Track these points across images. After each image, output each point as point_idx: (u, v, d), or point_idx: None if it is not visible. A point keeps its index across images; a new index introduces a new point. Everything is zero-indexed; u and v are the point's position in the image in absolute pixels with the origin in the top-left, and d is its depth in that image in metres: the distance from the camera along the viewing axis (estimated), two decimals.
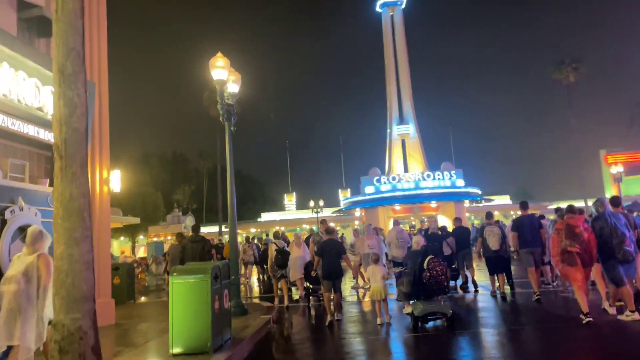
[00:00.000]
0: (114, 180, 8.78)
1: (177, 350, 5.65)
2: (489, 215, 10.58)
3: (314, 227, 29.34)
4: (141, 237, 46.31)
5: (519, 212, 9.73)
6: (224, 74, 9.12)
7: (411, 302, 7.51)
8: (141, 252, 38.31)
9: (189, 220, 38.05)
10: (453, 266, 10.97)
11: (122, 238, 47.92)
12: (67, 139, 3.79)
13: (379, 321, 7.52)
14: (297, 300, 11.47)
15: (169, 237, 41.25)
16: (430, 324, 7.22)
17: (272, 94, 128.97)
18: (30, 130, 6.90)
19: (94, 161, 8.83)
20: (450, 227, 13.02)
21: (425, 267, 6.99)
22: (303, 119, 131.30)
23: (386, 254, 13.39)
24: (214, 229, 42.57)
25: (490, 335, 6.60)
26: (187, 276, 5.75)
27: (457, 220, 11.86)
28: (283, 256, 10.90)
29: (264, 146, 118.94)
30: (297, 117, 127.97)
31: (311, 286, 10.32)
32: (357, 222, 41.01)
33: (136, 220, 31.20)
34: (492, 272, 9.86)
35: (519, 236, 9.14)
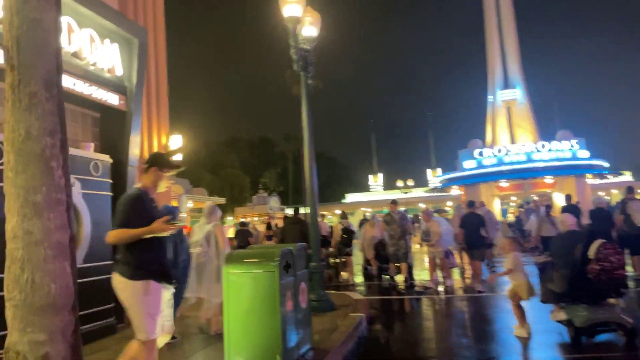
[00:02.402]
0: (174, 146, 7.55)
1: None
2: (631, 189, 9.66)
3: (402, 209, 27.27)
4: (229, 217, 47.49)
5: None
6: (297, 10, 7.43)
7: (562, 305, 5.43)
8: (230, 233, 38.97)
9: (274, 201, 37.85)
10: None
11: None
12: (21, 36, 2.30)
13: (517, 332, 5.52)
14: (385, 289, 9.79)
15: (255, 218, 41.72)
16: (599, 337, 5.09)
17: (355, 70, 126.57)
18: (64, 80, 5.75)
19: (150, 125, 7.68)
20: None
21: (592, 257, 4.85)
22: (388, 95, 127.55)
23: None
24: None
25: None
26: (246, 266, 4.22)
27: (568, 197, 11.51)
28: (348, 235, 12.33)
29: (348, 127, 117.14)
30: (381, 94, 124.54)
31: (382, 265, 11.37)
32: (449, 203, 38.16)
33: (221, 201, 31.47)
34: (634, 253, 9.00)
35: None
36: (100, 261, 6.03)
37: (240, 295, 4.16)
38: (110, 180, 6.34)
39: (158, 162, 3.58)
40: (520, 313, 5.53)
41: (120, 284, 3.31)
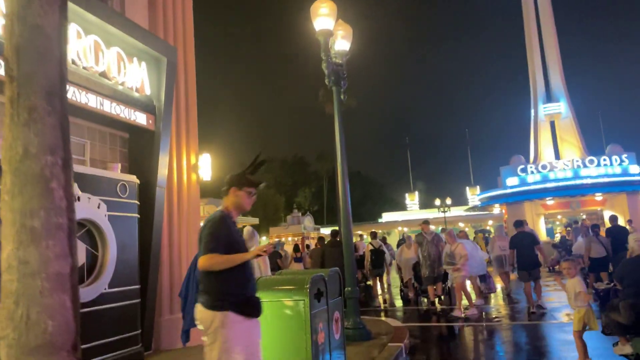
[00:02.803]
0: (204, 166, 7.42)
1: None
2: None
3: (440, 227, 26.55)
4: (263, 238, 47.60)
5: None
6: (329, 23, 7.26)
7: (629, 337, 4.85)
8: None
9: (308, 221, 37.58)
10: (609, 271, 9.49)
11: None
12: (22, 44, 2.12)
13: None
14: (426, 315, 9.23)
15: (289, 238, 41.59)
16: None
17: (391, 87, 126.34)
18: (91, 100, 5.70)
19: (180, 145, 7.58)
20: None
21: None
22: (426, 112, 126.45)
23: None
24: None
25: None
26: (274, 294, 3.92)
27: (613, 218, 11.03)
28: (377, 256, 12.17)
29: (384, 145, 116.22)
30: (419, 111, 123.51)
31: (421, 287, 11.02)
32: (490, 222, 36.96)
33: (255, 221, 31.44)
34: None
35: None
36: (126, 286, 5.87)
37: (267, 326, 3.85)
38: (137, 202, 6.22)
39: (235, 182, 3.43)
40: (583, 347, 4.98)
41: (200, 314, 3.12)
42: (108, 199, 5.69)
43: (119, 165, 6.28)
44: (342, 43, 7.85)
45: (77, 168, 5.40)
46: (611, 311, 4.86)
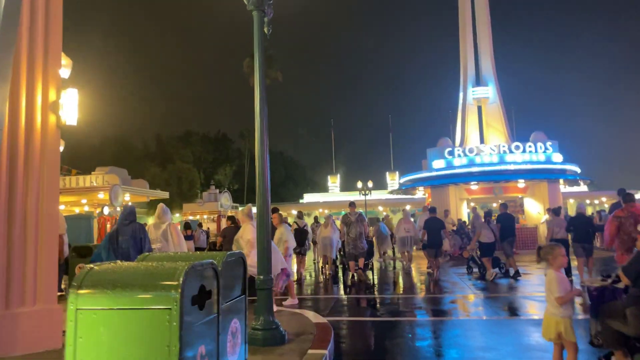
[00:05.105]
0: (68, 105, 5.41)
1: None
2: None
3: (361, 211, 25.78)
4: (176, 215, 44.82)
5: None
6: None
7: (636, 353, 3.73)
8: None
9: (225, 199, 35.47)
10: (495, 256, 11.45)
11: None
12: None
13: None
14: (351, 306, 7.92)
15: (204, 216, 39.23)
16: None
17: (318, 69, 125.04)
18: None
19: (32, 72, 5.46)
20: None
21: None
22: (350, 95, 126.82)
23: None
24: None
25: None
26: (117, 296, 2.21)
27: (503, 206, 12.10)
28: (301, 235, 12.42)
29: (309, 127, 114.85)
30: (342, 93, 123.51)
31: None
32: (408, 207, 37.13)
33: (164, 195, 28.78)
34: None
35: None
36: None
37: (101, 353, 2.16)
38: None
39: None
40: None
41: None
42: None
43: None
44: None
45: None
46: (610, 317, 3.68)
